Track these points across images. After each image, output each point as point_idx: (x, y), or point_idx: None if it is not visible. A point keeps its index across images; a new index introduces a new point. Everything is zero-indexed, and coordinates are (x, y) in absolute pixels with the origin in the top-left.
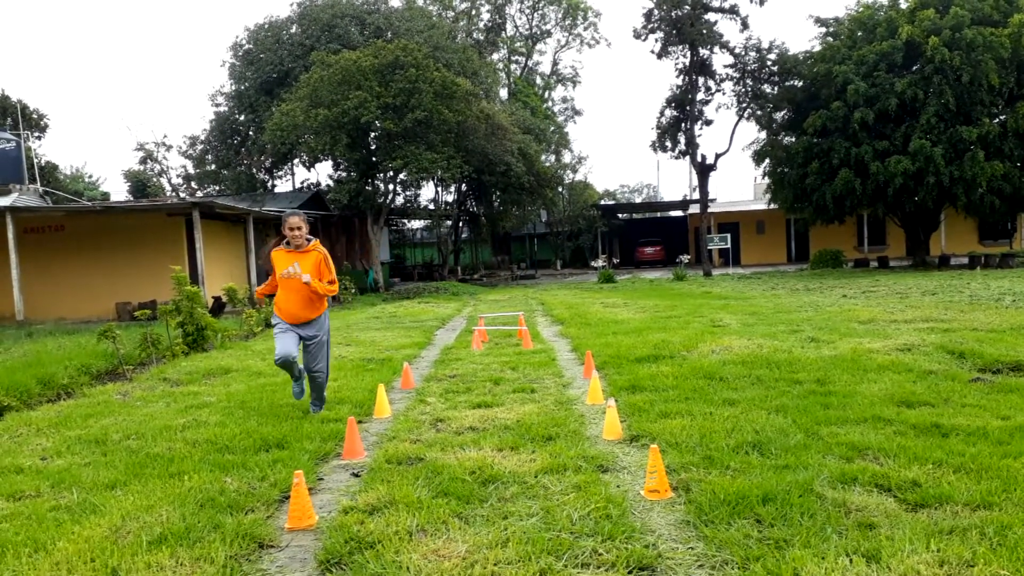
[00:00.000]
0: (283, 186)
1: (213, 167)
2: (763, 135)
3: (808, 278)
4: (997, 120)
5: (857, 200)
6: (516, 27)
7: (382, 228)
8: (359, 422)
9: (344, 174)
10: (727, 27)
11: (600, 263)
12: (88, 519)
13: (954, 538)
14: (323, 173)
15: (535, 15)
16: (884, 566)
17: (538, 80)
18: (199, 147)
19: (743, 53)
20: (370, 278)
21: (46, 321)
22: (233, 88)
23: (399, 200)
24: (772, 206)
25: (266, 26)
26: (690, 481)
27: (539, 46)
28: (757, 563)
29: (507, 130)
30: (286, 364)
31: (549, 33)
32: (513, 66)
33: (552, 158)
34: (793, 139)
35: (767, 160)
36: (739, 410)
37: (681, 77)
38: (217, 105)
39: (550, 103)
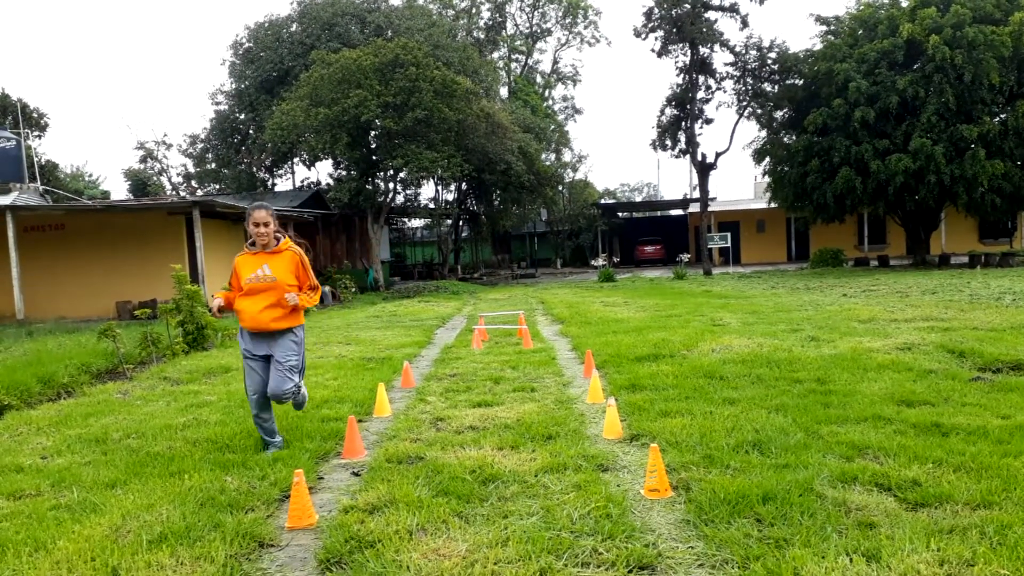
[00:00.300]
0: (283, 185)
1: (213, 166)
2: (763, 134)
3: (808, 277)
4: (998, 119)
5: (858, 199)
6: (516, 25)
7: (382, 227)
8: (359, 421)
9: (344, 173)
10: (727, 25)
11: (600, 262)
12: (88, 518)
13: (954, 537)
14: (323, 172)
15: (535, 13)
16: (884, 565)
17: (538, 79)
18: (199, 146)
19: (743, 51)
20: (370, 277)
21: (46, 320)
22: (233, 87)
23: (399, 199)
24: (772, 205)
25: (266, 24)
26: (690, 480)
27: (539, 45)
28: (757, 562)
29: (507, 129)
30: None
31: (549, 32)
32: (513, 65)
33: (552, 157)
34: (793, 137)
35: (767, 159)
36: (739, 409)
37: (681, 76)
38: (217, 104)
39: (550, 102)
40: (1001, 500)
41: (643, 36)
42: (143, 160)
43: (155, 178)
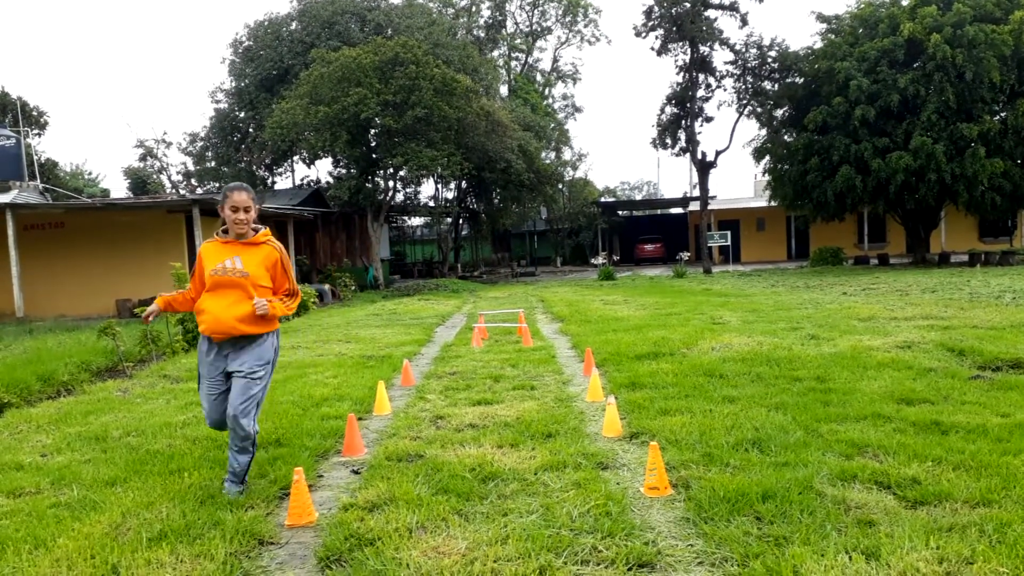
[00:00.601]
0: (283, 183)
1: (213, 164)
2: (763, 132)
3: (808, 275)
4: (998, 117)
5: (858, 197)
6: (516, 24)
7: (382, 225)
8: (359, 419)
9: (344, 171)
10: (727, 24)
11: (600, 260)
12: (88, 516)
13: (953, 535)
14: (323, 170)
15: (535, 12)
16: (883, 563)
17: (538, 77)
18: (199, 144)
19: (743, 50)
20: (370, 275)
21: (46, 318)
22: (233, 85)
23: (399, 197)
24: (772, 203)
25: (266, 23)
26: (690, 478)
27: (539, 43)
28: (757, 560)
29: (507, 127)
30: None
31: (549, 30)
32: (513, 63)
33: (552, 155)
34: (793, 136)
35: (767, 157)
36: (739, 407)
37: (681, 74)
38: (217, 102)
39: (550, 100)
40: (1000, 498)
41: (643, 35)
42: (143, 158)
43: (155, 176)
